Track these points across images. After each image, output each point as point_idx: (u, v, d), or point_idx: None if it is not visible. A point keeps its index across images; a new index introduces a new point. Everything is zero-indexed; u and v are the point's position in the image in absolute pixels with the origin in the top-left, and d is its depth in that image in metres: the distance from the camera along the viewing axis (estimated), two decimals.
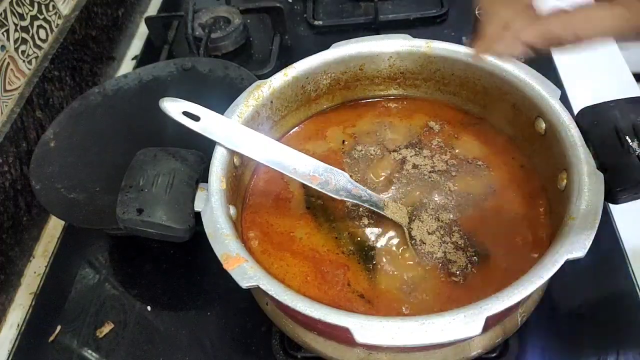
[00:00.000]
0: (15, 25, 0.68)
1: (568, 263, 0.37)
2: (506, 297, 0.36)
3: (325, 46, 0.55)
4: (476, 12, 0.78)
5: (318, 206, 0.52)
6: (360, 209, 0.50)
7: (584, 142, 0.44)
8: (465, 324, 0.35)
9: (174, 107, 0.45)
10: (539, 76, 0.49)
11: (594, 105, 0.47)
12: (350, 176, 0.48)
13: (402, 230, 0.48)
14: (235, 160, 0.49)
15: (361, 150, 0.55)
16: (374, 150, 0.55)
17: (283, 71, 0.54)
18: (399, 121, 0.58)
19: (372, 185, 0.52)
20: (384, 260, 0.47)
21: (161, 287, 0.61)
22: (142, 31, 0.97)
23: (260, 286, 0.38)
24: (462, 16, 0.86)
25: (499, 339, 0.45)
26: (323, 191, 0.46)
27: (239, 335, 0.55)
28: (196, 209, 0.44)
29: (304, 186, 0.52)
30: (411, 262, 0.47)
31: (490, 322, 0.38)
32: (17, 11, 0.69)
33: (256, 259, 0.41)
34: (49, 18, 0.75)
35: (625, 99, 0.47)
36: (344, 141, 0.57)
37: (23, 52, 0.70)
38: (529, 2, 0.35)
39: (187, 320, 0.57)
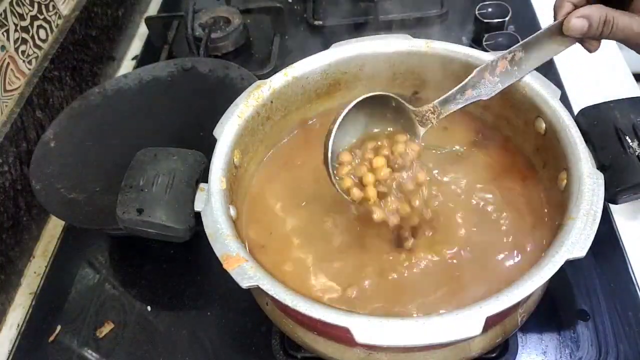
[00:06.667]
0: (15, 25, 0.68)
1: (568, 263, 0.37)
2: (506, 297, 0.36)
3: (325, 46, 0.55)
4: (476, 12, 0.79)
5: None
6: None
7: (584, 142, 0.44)
8: (465, 324, 0.35)
9: None
10: (539, 76, 0.49)
11: (594, 105, 0.47)
12: None
13: None
14: (235, 160, 0.49)
15: None
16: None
17: (283, 71, 0.54)
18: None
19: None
20: None
21: (161, 287, 0.61)
22: (142, 31, 0.97)
23: (260, 286, 0.38)
24: (462, 16, 0.85)
25: (499, 339, 0.45)
26: None
27: (239, 335, 0.55)
28: (196, 209, 0.44)
29: None
30: None
31: (490, 322, 0.38)
32: (17, 11, 0.69)
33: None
34: (49, 18, 0.75)
35: (625, 99, 0.47)
36: None
37: (23, 52, 0.70)
38: None
39: (187, 320, 0.57)
